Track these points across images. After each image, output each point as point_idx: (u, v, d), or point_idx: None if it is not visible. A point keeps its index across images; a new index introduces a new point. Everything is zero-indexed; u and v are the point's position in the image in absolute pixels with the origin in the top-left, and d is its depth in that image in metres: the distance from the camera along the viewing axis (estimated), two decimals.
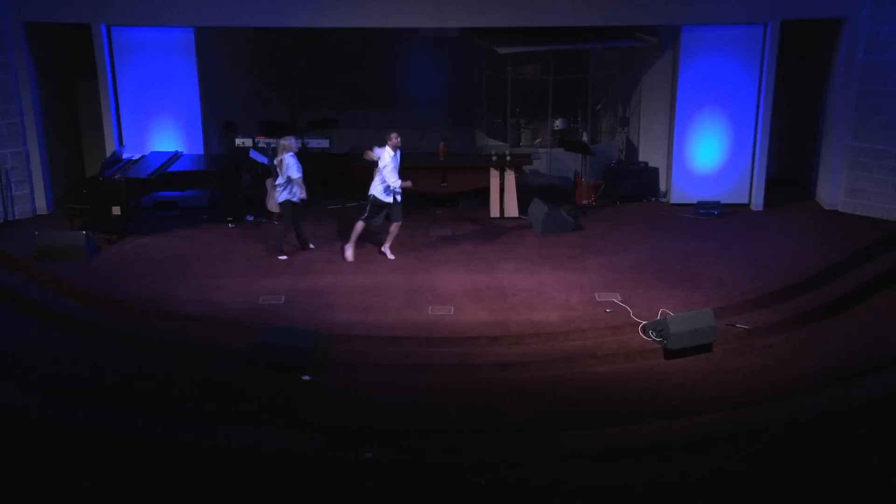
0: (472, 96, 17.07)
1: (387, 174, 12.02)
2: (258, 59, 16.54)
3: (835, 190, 14.70)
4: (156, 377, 9.69)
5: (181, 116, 14.50)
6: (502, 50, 14.57)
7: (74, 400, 9.13)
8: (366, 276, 11.99)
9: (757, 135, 14.62)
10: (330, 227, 13.92)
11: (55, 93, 14.95)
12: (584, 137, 15.49)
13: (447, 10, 13.57)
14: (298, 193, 12.27)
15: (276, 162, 12.32)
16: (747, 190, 14.89)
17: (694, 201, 14.67)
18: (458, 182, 14.58)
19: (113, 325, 10.77)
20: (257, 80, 16.58)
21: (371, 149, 12.36)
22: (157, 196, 14.12)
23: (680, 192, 15.03)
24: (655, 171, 15.53)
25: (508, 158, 14.36)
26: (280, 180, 12.25)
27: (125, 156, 13.83)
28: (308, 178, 12.68)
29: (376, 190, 12.20)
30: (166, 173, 13.30)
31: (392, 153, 12.07)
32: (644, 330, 10.47)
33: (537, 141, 16.11)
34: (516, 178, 14.37)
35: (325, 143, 15.25)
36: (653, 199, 15.39)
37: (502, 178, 14.32)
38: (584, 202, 14.97)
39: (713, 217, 14.34)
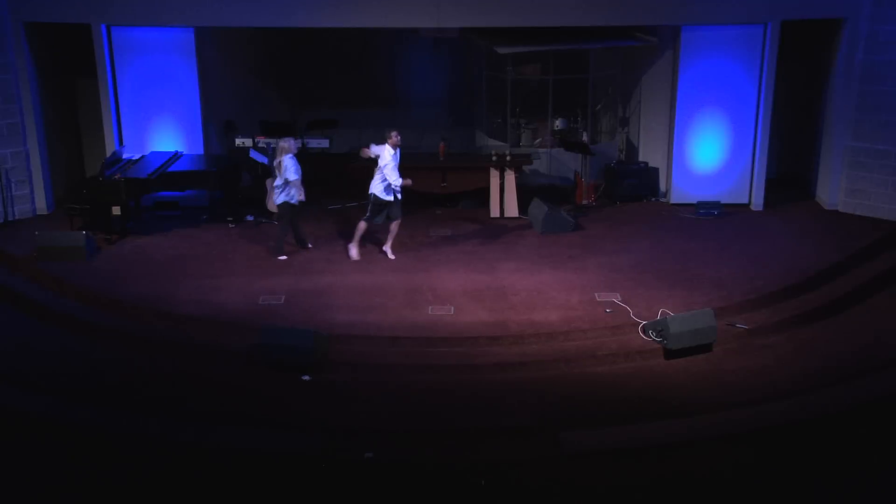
0: (472, 96, 17.07)
1: (387, 172, 12.02)
2: (258, 59, 16.54)
3: (835, 190, 14.69)
4: (156, 377, 9.69)
5: (181, 116, 14.50)
6: (502, 50, 14.56)
7: (74, 400, 9.12)
8: (366, 276, 11.99)
9: (757, 135, 14.62)
10: (330, 227, 13.92)
11: (55, 93, 14.95)
12: (584, 137, 15.49)
13: (447, 10, 13.57)
14: (296, 196, 12.27)
15: (275, 164, 12.33)
16: (747, 190, 14.89)
17: (694, 201, 14.67)
18: (458, 182, 14.58)
19: (113, 325, 10.77)
20: (257, 80, 16.58)
21: (367, 146, 12.36)
22: (157, 196, 14.12)
23: (680, 192, 15.03)
24: (655, 171, 15.54)
25: (508, 158, 14.36)
26: (278, 182, 12.26)
27: (125, 156, 13.83)
28: (308, 178, 12.68)
29: (377, 189, 12.20)
30: (166, 173, 13.30)
31: (392, 151, 12.07)
32: (644, 330, 10.47)
33: (537, 141, 16.11)
34: (516, 178, 14.37)
35: (325, 143, 15.26)
36: (653, 199, 15.39)
37: (502, 178, 14.32)
38: (584, 202, 14.97)
39: (713, 217, 14.34)
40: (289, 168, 12.09)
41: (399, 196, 12.26)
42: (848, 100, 14.28)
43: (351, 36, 16.04)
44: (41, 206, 14.39)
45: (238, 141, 14.81)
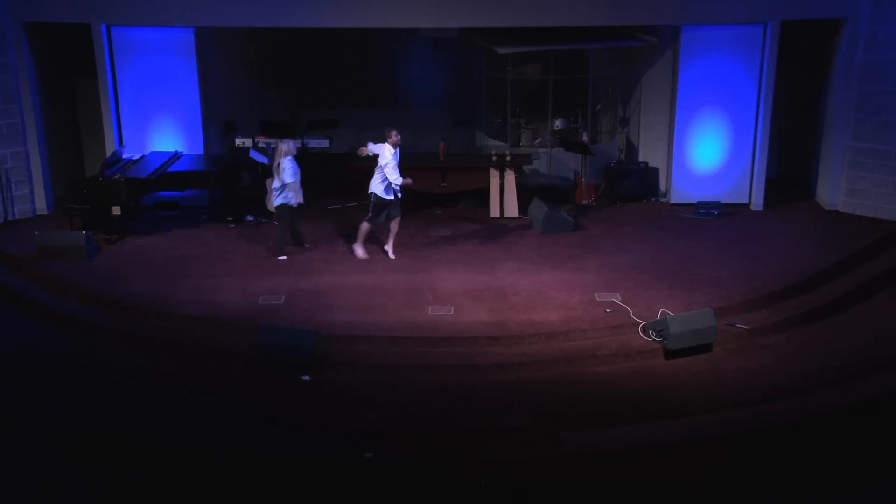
0: (472, 96, 17.07)
1: (388, 171, 12.02)
2: (258, 59, 16.53)
3: (835, 190, 14.69)
4: (156, 377, 9.69)
5: (181, 116, 14.50)
6: (502, 50, 14.56)
7: (74, 400, 9.12)
8: (366, 276, 11.99)
9: (757, 135, 14.62)
10: (330, 227, 13.92)
11: (55, 93, 14.95)
12: (584, 137, 15.49)
13: (447, 10, 13.57)
14: (292, 198, 12.26)
15: (274, 165, 12.32)
16: (747, 190, 14.89)
17: (694, 201, 14.67)
18: (458, 182, 14.58)
19: (113, 325, 10.77)
20: (257, 80, 16.58)
21: (365, 144, 12.37)
22: (157, 196, 14.12)
23: (680, 192, 15.03)
24: (655, 171, 15.53)
25: (508, 158, 14.36)
26: (276, 184, 12.25)
27: (125, 156, 13.84)
28: (308, 178, 12.67)
29: (377, 188, 12.20)
30: (166, 173, 13.30)
31: (392, 150, 12.08)
32: (644, 330, 10.47)
33: (537, 141, 16.11)
34: (516, 178, 14.37)
35: (325, 143, 15.26)
36: (653, 199, 15.39)
37: (502, 178, 14.32)
38: (584, 202, 14.97)
39: (713, 217, 14.34)
40: (286, 170, 12.09)
41: (399, 195, 12.27)
42: (848, 100, 14.28)
43: (351, 36, 16.04)
44: (41, 206, 14.39)
45: (238, 141, 14.81)
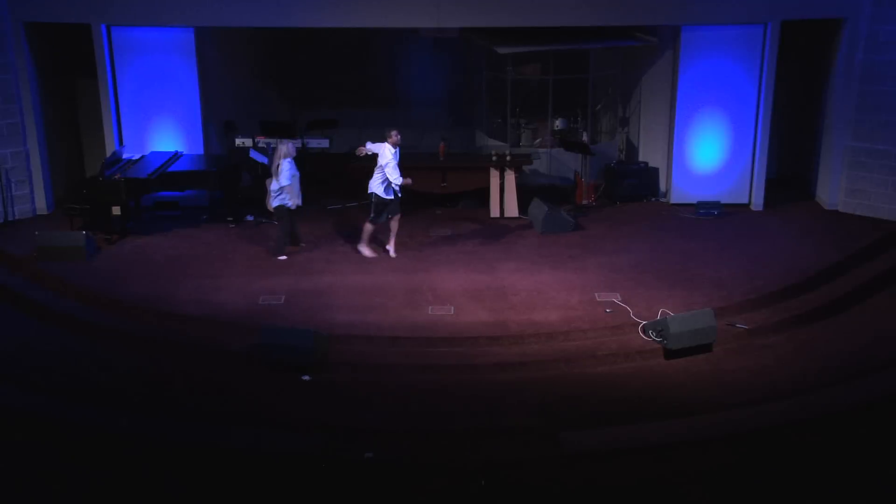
0: (472, 96, 17.07)
1: (389, 171, 12.03)
2: (258, 59, 16.54)
3: (835, 190, 14.70)
4: (156, 377, 9.69)
5: (181, 116, 14.51)
6: (502, 50, 14.57)
7: (74, 400, 9.12)
8: (366, 276, 11.99)
9: (757, 135, 14.62)
10: (330, 227, 13.92)
11: (55, 93, 14.96)
12: (584, 137, 15.49)
13: (447, 10, 13.57)
14: (288, 200, 12.23)
15: (274, 167, 12.32)
16: (747, 190, 14.89)
17: (694, 201, 14.67)
18: (458, 182, 14.58)
19: (113, 325, 10.77)
20: (257, 80, 16.58)
21: (363, 144, 12.37)
22: (157, 196, 14.12)
23: (680, 192, 15.03)
24: (655, 171, 15.54)
25: (508, 158, 14.36)
26: (275, 185, 12.25)
27: (125, 156, 13.84)
28: (308, 178, 12.66)
29: (377, 188, 12.21)
30: (166, 173, 13.31)
31: (393, 150, 12.09)
32: (644, 330, 10.47)
33: (537, 141, 16.11)
34: (516, 178, 14.37)
35: (325, 143, 15.27)
36: (653, 199, 15.39)
37: (502, 178, 14.32)
38: (584, 202, 14.97)
39: (713, 217, 14.34)
40: (283, 173, 12.09)
41: (399, 194, 12.29)
42: (848, 100, 14.28)
43: (351, 36, 16.04)
44: (41, 206, 14.39)
45: (238, 141, 14.81)
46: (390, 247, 12.67)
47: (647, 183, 15.43)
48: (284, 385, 9.55)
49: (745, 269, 12.08)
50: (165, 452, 8.21)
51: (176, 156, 14.05)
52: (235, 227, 13.92)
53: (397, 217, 12.47)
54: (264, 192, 13.84)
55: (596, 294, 11.35)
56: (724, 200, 14.68)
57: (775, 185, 15.18)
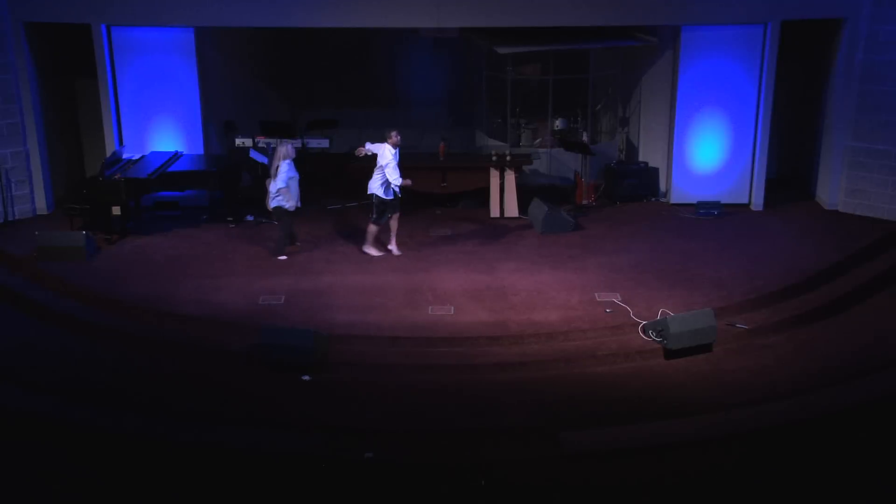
0: (472, 96, 17.07)
1: (388, 172, 12.04)
2: (258, 59, 16.54)
3: (835, 190, 14.69)
4: (156, 377, 9.69)
5: (181, 116, 14.50)
6: (502, 50, 14.57)
7: (74, 400, 9.12)
8: (366, 276, 11.99)
9: (757, 135, 14.62)
10: (330, 227, 13.92)
11: (55, 93, 14.95)
12: (584, 137, 15.49)
13: (447, 10, 13.57)
14: (285, 202, 12.21)
15: (273, 168, 12.31)
16: (747, 190, 14.89)
17: (694, 201, 14.67)
18: (458, 182, 14.58)
19: (113, 325, 10.77)
20: (257, 80, 16.58)
21: (363, 144, 12.38)
22: (157, 196, 14.12)
23: (680, 192, 15.03)
24: (655, 171, 15.54)
25: (508, 158, 14.36)
26: (273, 187, 12.24)
27: (125, 156, 13.84)
28: (308, 178, 12.64)
29: (377, 189, 12.21)
30: (166, 173, 13.30)
31: (393, 151, 12.10)
32: (644, 330, 10.47)
33: (537, 141, 16.11)
34: (516, 178, 14.37)
35: (325, 143, 15.26)
36: (653, 199, 15.39)
37: (502, 178, 14.32)
38: (584, 202, 14.97)
39: (713, 217, 14.34)
40: (280, 175, 12.08)
41: (399, 194, 12.30)
42: (848, 100, 14.28)
43: (351, 36, 16.04)
44: (41, 206, 14.39)
45: (238, 141, 14.82)
46: (392, 246, 12.69)
47: (647, 183, 15.43)
48: (284, 385, 9.55)
49: (745, 269, 12.08)
50: (165, 452, 8.21)
51: (176, 156, 14.05)
52: (235, 227, 13.92)
53: (396, 216, 12.50)
54: (264, 192, 13.82)
55: (596, 294, 11.35)
56: (724, 200, 14.68)
57: (775, 185, 15.18)
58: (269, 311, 10.94)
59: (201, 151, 14.58)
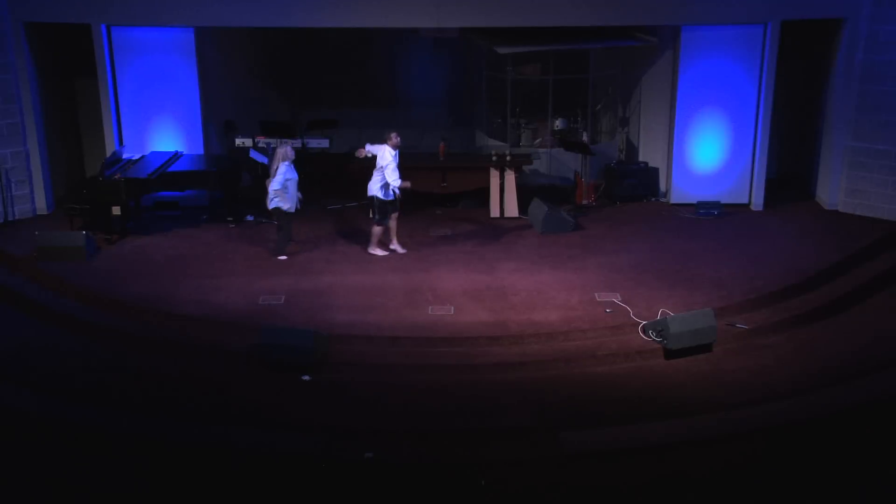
0: (472, 96, 17.08)
1: (388, 173, 12.05)
2: (258, 59, 16.54)
3: (835, 190, 14.70)
4: (156, 377, 9.69)
5: (181, 116, 14.51)
6: (502, 50, 14.57)
7: (74, 400, 9.13)
8: (366, 276, 11.99)
9: (757, 135, 14.62)
10: (330, 227, 13.92)
11: (55, 93, 14.96)
12: (584, 137, 15.49)
13: (447, 10, 13.57)
14: (282, 204, 12.20)
15: (273, 169, 12.31)
16: (747, 190, 14.90)
17: (694, 201, 14.68)
18: (458, 182, 14.58)
19: (113, 325, 10.77)
20: (257, 80, 16.58)
21: (363, 146, 12.40)
22: (157, 196, 14.12)
23: (680, 192, 15.03)
24: (655, 171, 15.54)
25: (508, 158, 14.36)
26: (271, 188, 12.25)
27: (125, 156, 13.84)
28: (308, 178, 12.63)
29: (377, 191, 12.23)
30: (166, 173, 13.31)
31: (393, 152, 12.10)
32: (644, 330, 10.47)
33: (537, 141, 16.11)
34: (516, 178, 14.37)
35: (325, 143, 15.27)
36: (653, 199, 15.39)
37: (502, 178, 14.32)
38: (584, 202, 14.97)
39: (713, 217, 14.34)
40: (276, 177, 12.09)
41: (398, 194, 12.32)
42: (848, 100, 14.28)
43: (351, 36, 16.04)
44: (41, 206, 14.39)
45: (238, 141, 14.82)
46: (395, 245, 12.71)
47: (647, 183, 15.43)
48: (284, 385, 9.55)
49: (745, 269, 12.08)
50: (165, 452, 8.21)
51: (176, 156, 14.05)
52: (235, 227, 13.92)
53: (395, 215, 12.52)
54: (264, 192, 13.84)
55: (596, 294, 11.35)
56: (724, 200, 14.68)
57: (775, 185, 15.19)
58: (269, 311, 10.94)
59: (201, 151, 14.58)
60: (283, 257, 12.52)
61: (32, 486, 7.77)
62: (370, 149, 12.26)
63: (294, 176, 12.24)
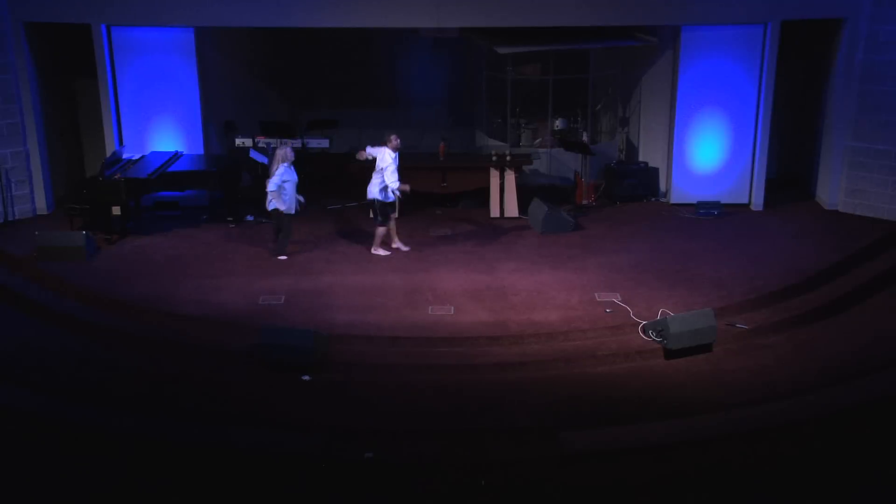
0: (472, 96, 17.08)
1: (387, 175, 12.07)
2: (258, 59, 16.54)
3: (835, 190, 14.70)
4: (156, 377, 9.69)
5: (181, 116, 14.51)
6: (502, 50, 14.57)
7: (74, 400, 9.12)
8: (366, 276, 11.99)
9: (757, 135, 14.62)
10: (330, 226, 13.92)
11: (55, 93, 14.96)
12: (584, 137, 15.49)
13: (447, 10, 13.57)
14: (279, 204, 12.18)
15: (272, 170, 12.31)
16: (747, 190, 14.90)
17: (694, 201, 14.68)
18: (458, 182, 14.59)
19: (113, 325, 10.77)
20: (257, 80, 16.58)
21: (363, 148, 12.42)
22: (157, 196, 14.12)
23: (680, 192, 15.03)
24: (655, 171, 15.54)
25: (508, 158, 14.36)
26: (268, 189, 12.24)
27: (125, 156, 13.84)
28: (308, 178, 12.62)
29: (377, 194, 12.25)
30: (166, 173, 13.31)
31: (393, 155, 12.12)
32: (644, 330, 10.47)
33: (537, 141, 16.11)
34: (516, 178, 14.37)
35: (325, 143, 15.27)
36: (653, 199, 15.39)
37: (502, 178, 14.32)
38: (584, 202, 14.97)
39: (713, 217, 14.34)
40: (273, 178, 12.08)
41: (398, 195, 12.33)
42: (848, 100, 14.28)
43: (351, 36, 16.04)
44: (41, 206, 14.39)
45: (238, 141, 14.82)
46: (397, 244, 12.74)
47: (647, 183, 15.43)
48: (284, 385, 9.55)
49: (745, 269, 12.08)
50: (165, 452, 8.21)
51: (176, 156, 14.05)
52: (235, 227, 13.92)
53: (393, 215, 12.61)
54: (264, 192, 13.85)
55: (596, 294, 11.35)
56: (724, 200, 14.68)
57: (775, 185, 15.19)
58: (269, 311, 10.94)
59: (201, 151, 14.58)
60: (283, 257, 12.53)
61: (32, 486, 7.77)
62: (371, 151, 12.28)
63: (293, 178, 12.24)
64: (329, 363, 9.87)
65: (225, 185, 13.98)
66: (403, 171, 12.24)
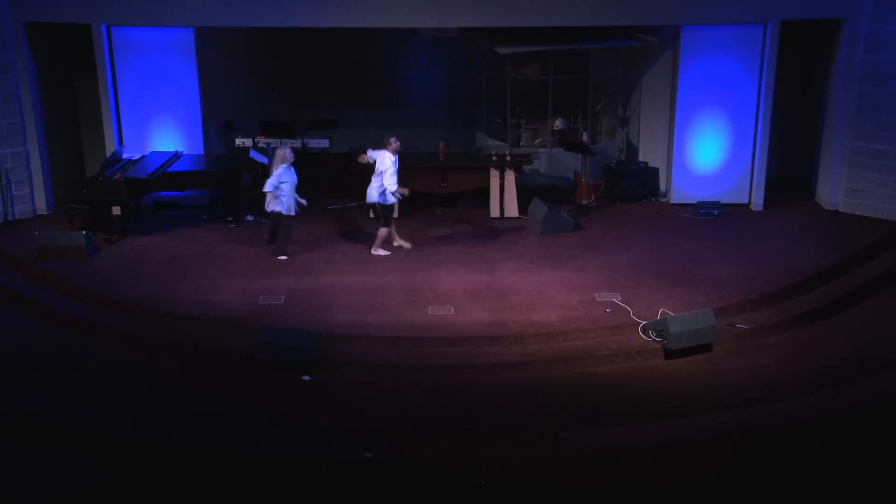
0: (472, 96, 17.07)
1: (386, 178, 12.08)
2: (258, 59, 16.54)
3: (835, 190, 14.69)
4: (156, 377, 9.69)
5: (181, 116, 14.51)
6: (502, 50, 14.56)
7: (74, 400, 9.12)
8: (366, 276, 11.99)
9: (757, 135, 14.62)
10: (330, 226, 13.92)
11: (55, 93, 14.95)
12: (584, 137, 15.49)
13: (447, 10, 13.57)
14: (277, 205, 12.18)
15: (272, 170, 12.31)
16: (747, 190, 14.90)
17: (694, 201, 14.68)
18: (458, 182, 14.59)
19: (113, 325, 10.77)
20: (257, 80, 16.58)
21: (365, 151, 12.43)
22: (157, 196, 14.12)
23: (680, 192, 15.03)
24: (655, 171, 15.54)
25: (508, 158, 14.36)
26: (264, 189, 12.24)
27: (125, 156, 13.84)
28: (308, 179, 12.62)
29: (377, 197, 12.26)
30: (166, 173, 13.31)
31: (393, 157, 12.13)
32: (644, 330, 10.47)
33: (537, 141, 16.11)
34: (516, 178, 14.37)
35: (325, 143, 15.26)
36: (653, 199, 15.39)
37: (502, 178, 14.32)
38: (584, 202, 14.97)
39: (713, 217, 14.34)
40: (270, 178, 12.08)
41: (398, 197, 12.34)
42: (848, 100, 14.28)
43: (351, 36, 16.04)
44: (41, 206, 14.39)
45: (238, 141, 14.82)
46: (399, 242, 12.75)
47: (647, 183, 15.43)
48: (284, 385, 9.55)
49: (745, 269, 12.08)
50: (165, 452, 8.21)
51: (176, 156, 14.05)
52: (235, 227, 13.92)
53: (394, 215, 12.60)
54: (263, 192, 13.86)
55: (596, 294, 11.35)
56: (724, 200, 14.68)
57: (775, 185, 15.19)
58: (269, 311, 10.95)
59: (201, 151, 14.58)
60: (283, 257, 12.53)
61: (33, 485, 7.77)
62: (372, 154, 12.29)
63: (292, 179, 12.23)
64: (329, 363, 9.87)
65: (225, 186, 13.98)
66: (404, 171, 12.25)
